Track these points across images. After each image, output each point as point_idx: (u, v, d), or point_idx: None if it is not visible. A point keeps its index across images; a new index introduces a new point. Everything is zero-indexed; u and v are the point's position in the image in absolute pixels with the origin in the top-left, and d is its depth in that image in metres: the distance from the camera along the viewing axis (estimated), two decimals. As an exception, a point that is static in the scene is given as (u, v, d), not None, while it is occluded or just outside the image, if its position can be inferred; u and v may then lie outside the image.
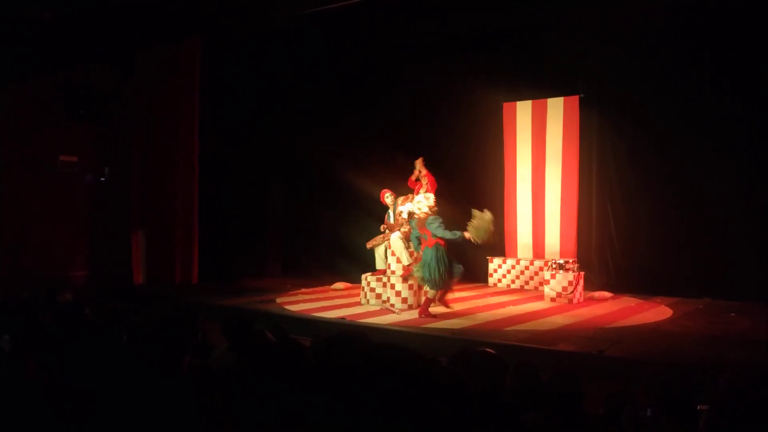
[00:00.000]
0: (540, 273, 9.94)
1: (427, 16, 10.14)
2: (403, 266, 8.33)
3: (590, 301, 8.89)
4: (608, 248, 9.98)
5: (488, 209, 7.70)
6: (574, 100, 10.17)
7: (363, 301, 8.60)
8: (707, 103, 8.88)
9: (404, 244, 8.36)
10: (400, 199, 8.80)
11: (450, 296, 8.07)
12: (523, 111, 10.68)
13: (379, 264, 8.81)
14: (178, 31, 10.36)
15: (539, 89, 10.48)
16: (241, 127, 11.59)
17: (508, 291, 10.10)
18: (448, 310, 7.82)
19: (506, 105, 10.82)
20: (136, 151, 11.27)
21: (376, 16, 10.11)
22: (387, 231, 8.71)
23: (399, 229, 8.44)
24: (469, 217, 7.65)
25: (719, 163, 8.90)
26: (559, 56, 10.04)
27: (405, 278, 8.21)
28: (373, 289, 8.50)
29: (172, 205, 10.99)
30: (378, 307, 8.22)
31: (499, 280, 10.60)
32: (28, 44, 9.27)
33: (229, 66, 11.31)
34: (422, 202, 7.75)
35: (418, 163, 8.71)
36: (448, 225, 7.65)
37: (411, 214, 8.12)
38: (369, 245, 8.86)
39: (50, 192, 10.69)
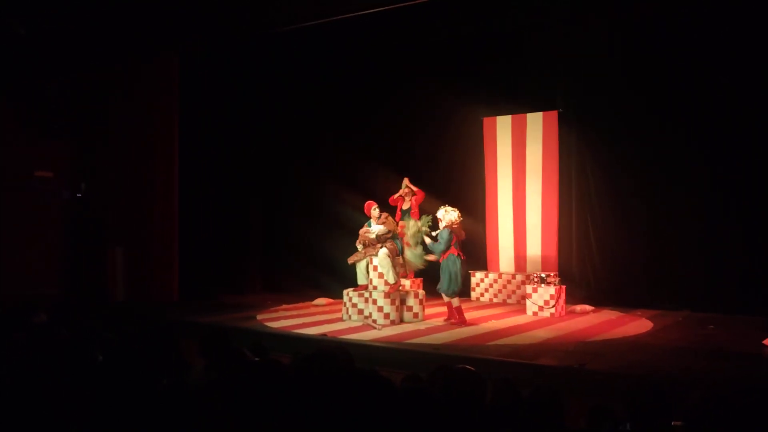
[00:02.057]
0: (522, 287, 9.98)
1: (408, 34, 10.23)
2: (387, 283, 8.26)
3: (572, 314, 8.93)
4: (589, 261, 10.05)
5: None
6: (553, 115, 10.29)
7: (345, 316, 8.55)
8: (684, 118, 9.03)
9: (391, 261, 8.30)
10: (382, 216, 8.74)
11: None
12: (503, 126, 10.77)
13: (361, 279, 8.76)
14: (155, 45, 10.33)
15: (519, 104, 10.58)
16: (222, 143, 11.54)
17: (491, 305, 10.12)
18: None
19: (486, 120, 10.92)
20: (113, 167, 11.15)
21: (356, 35, 10.19)
22: (368, 246, 8.66)
23: (384, 245, 8.38)
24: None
25: (699, 177, 9.02)
26: (538, 72, 10.17)
27: (388, 294, 8.17)
28: (354, 305, 8.46)
29: (151, 221, 10.88)
30: (360, 323, 8.18)
31: (482, 294, 10.63)
32: (2, 59, 9.18)
33: (209, 83, 11.28)
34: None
35: (406, 181, 9.50)
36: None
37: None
38: (350, 261, 8.81)
39: (25, 208, 10.53)
